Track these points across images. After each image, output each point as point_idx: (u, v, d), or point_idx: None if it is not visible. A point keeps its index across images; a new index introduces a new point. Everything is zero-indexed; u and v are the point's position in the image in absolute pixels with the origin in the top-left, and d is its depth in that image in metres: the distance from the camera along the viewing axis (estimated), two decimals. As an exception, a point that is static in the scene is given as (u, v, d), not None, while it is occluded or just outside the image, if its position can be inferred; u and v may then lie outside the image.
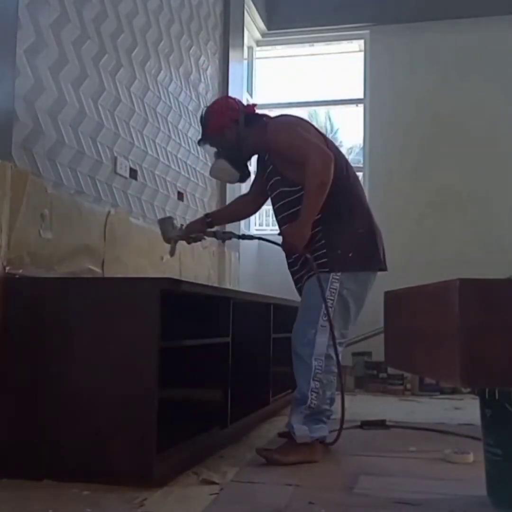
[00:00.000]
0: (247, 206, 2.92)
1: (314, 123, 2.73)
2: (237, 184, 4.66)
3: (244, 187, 5.33)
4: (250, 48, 5.66)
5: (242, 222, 5.06)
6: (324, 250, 2.39)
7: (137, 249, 2.97)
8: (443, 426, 3.02)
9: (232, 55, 4.53)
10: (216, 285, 3.92)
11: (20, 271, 2.12)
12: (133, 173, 3.05)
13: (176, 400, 2.42)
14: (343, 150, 3.61)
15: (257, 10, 5.29)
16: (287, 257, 2.57)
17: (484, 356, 1.44)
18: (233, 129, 2.57)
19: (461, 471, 2.17)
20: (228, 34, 4.51)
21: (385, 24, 5.38)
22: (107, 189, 2.80)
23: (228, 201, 4.40)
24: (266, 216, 6.95)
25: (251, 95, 5.46)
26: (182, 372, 2.44)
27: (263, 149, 2.56)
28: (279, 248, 2.53)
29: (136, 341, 1.96)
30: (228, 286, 4.15)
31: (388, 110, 5.31)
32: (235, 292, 2.96)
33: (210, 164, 4.04)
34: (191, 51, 3.88)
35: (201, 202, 3.96)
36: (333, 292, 2.37)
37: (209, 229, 2.73)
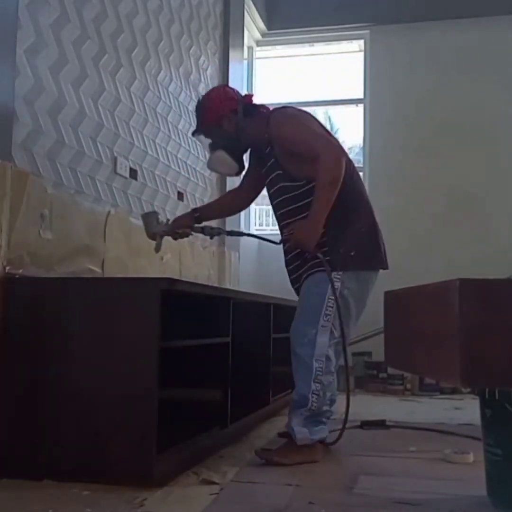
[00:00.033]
0: (238, 201, 2.84)
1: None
2: (237, 182, 4.68)
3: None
4: (250, 48, 5.67)
5: (242, 222, 5.06)
6: (326, 249, 2.34)
7: (137, 249, 2.97)
8: (443, 426, 3.02)
9: (232, 55, 4.53)
10: (216, 285, 3.93)
11: (20, 271, 2.12)
12: (133, 173, 3.05)
13: (176, 400, 2.42)
14: (343, 150, 3.58)
15: (257, 10, 5.29)
16: (285, 254, 2.52)
17: (484, 356, 1.44)
18: (232, 119, 2.50)
19: (461, 471, 2.17)
20: (228, 34, 4.51)
21: (385, 24, 5.38)
22: (107, 189, 2.80)
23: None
24: (266, 216, 6.95)
25: (251, 95, 5.45)
26: (182, 372, 2.44)
27: (263, 141, 2.47)
28: (279, 248, 2.51)
29: (136, 341, 1.96)
30: (228, 286, 4.15)
31: (388, 110, 5.31)
32: (235, 292, 2.96)
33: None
34: (191, 51, 3.88)
35: (201, 202, 3.95)
36: (334, 292, 2.31)
37: (196, 225, 2.65)
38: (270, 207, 2.64)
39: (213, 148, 2.56)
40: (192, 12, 3.91)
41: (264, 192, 2.68)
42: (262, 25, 5.54)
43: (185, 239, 3.58)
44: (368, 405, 3.78)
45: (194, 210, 2.73)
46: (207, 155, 2.69)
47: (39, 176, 2.29)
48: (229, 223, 4.32)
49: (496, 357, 1.44)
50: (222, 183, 4.20)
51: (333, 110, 5.92)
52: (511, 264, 4.39)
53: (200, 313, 2.53)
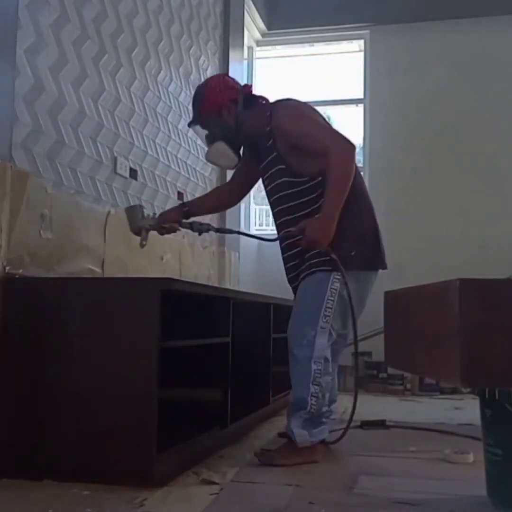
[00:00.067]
0: (229, 197, 2.75)
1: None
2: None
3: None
4: (250, 48, 5.66)
5: (242, 222, 5.07)
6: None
7: (137, 249, 2.97)
8: (443, 426, 3.02)
9: (232, 55, 4.53)
10: (216, 285, 3.93)
11: (20, 271, 2.12)
12: (133, 173, 3.05)
13: (176, 400, 2.42)
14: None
15: (257, 10, 5.29)
16: (283, 252, 2.46)
17: (484, 356, 1.44)
18: (232, 109, 2.42)
19: (461, 471, 2.17)
20: (228, 34, 4.51)
21: (385, 24, 5.38)
22: (107, 189, 2.80)
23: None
24: (266, 216, 6.95)
25: (251, 95, 5.45)
26: (182, 372, 2.44)
27: (264, 134, 2.39)
28: (279, 248, 2.49)
29: (136, 341, 1.96)
30: (228, 286, 4.15)
31: (388, 110, 5.31)
32: (235, 292, 2.96)
33: (210, 164, 4.06)
34: (191, 51, 3.88)
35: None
36: (334, 293, 2.28)
37: (184, 220, 2.54)
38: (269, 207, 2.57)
39: (211, 139, 2.47)
40: (192, 12, 3.91)
41: (264, 192, 2.60)
42: (262, 25, 5.54)
43: (185, 239, 3.62)
44: (368, 405, 3.78)
45: (183, 204, 2.64)
46: (205, 148, 2.62)
47: (39, 176, 2.29)
48: (229, 223, 4.32)
49: (496, 357, 1.44)
50: (222, 182, 4.19)
51: (333, 110, 5.90)
52: (511, 264, 4.39)
53: (200, 313, 2.52)
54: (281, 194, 2.41)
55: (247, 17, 5.10)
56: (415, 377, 4.45)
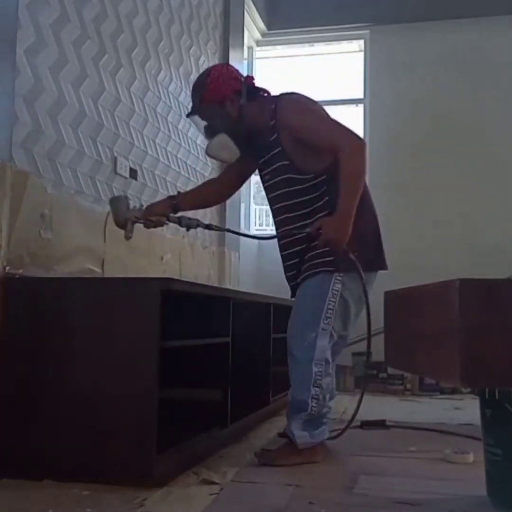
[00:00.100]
0: (219, 192, 2.65)
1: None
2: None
3: (244, 185, 5.33)
4: (250, 48, 5.67)
5: (242, 222, 5.06)
6: (328, 248, 2.24)
7: (137, 249, 2.97)
8: (443, 426, 3.02)
9: (232, 55, 4.53)
10: (216, 285, 3.93)
11: (20, 271, 2.12)
12: (133, 173, 3.05)
13: (176, 400, 2.42)
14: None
15: (257, 10, 5.29)
16: (282, 250, 2.43)
17: (484, 356, 1.44)
18: (235, 101, 2.33)
19: (461, 471, 2.17)
20: (228, 34, 4.51)
21: (385, 24, 5.38)
22: (107, 189, 2.80)
23: (228, 202, 4.39)
24: (266, 216, 6.95)
25: (251, 95, 5.45)
26: (182, 372, 2.44)
27: (267, 128, 2.31)
28: (278, 245, 2.46)
29: (136, 341, 1.96)
30: (228, 286, 4.15)
31: (388, 110, 5.31)
32: (235, 292, 2.96)
33: (210, 164, 4.06)
34: (191, 51, 3.88)
35: (201, 202, 3.95)
36: (335, 294, 2.26)
37: (172, 214, 2.43)
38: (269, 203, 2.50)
39: (212, 131, 2.37)
40: (192, 12, 3.91)
41: (262, 189, 2.55)
42: (262, 25, 5.54)
43: (185, 239, 3.62)
44: (368, 405, 3.78)
45: (171, 197, 2.52)
46: (205, 147, 2.52)
47: (39, 176, 2.29)
48: (229, 223, 4.32)
49: (496, 357, 1.44)
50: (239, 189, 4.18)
51: (333, 110, 5.88)
52: (511, 264, 4.39)
53: (200, 313, 2.52)
54: (283, 190, 2.35)
55: (247, 17, 5.10)
56: (415, 377, 4.45)
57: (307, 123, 2.27)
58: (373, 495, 1.89)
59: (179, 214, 2.45)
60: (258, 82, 2.48)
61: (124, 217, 2.35)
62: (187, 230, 2.45)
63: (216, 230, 2.53)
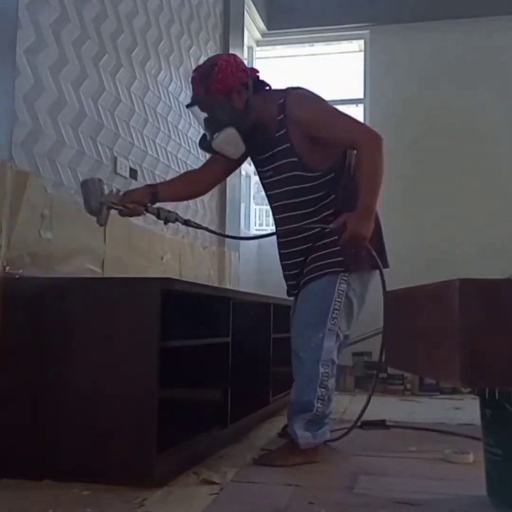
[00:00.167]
0: (199, 185, 2.51)
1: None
2: (237, 182, 4.68)
3: (244, 184, 5.34)
4: (250, 48, 5.67)
5: (242, 222, 5.06)
6: (337, 247, 2.22)
7: (137, 249, 2.97)
8: (443, 426, 3.02)
9: (232, 55, 4.53)
10: (216, 285, 3.92)
11: (20, 271, 2.12)
12: (133, 173, 3.05)
13: (176, 400, 2.42)
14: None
15: (257, 10, 5.29)
16: (281, 248, 2.41)
17: (484, 356, 1.44)
18: (242, 94, 2.22)
19: (461, 471, 2.17)
20: (228, 34, 4.51)
21: (385, 24, 5.38)
22: (107, 189, 2.79)
23: (228, 202, 4.40)
24: (266, 216, 6.95)
25: (251, 95, 5.46)
26: (182, 372, 2.44)
27: (273, 123, 2.24)
28: (277, 243, 2.44)
29: (136, 341, 1.95)
30: (228, 286, 4.15)
31: (388, 110, 5.30)
32: (235, 292, 2.96)
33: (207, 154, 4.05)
34: (191, 51, 3.88)
35: (201, 202, 3.96)
36: (341, 294, 2.25)
37: (151, 205, 2.27)
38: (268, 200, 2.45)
39: (213, 124, 2.24)
40: (192, 12, 3.91)
41: (264, 192, 2.52)
42: (262, 25, 5.54)
43: (185, 239, 3.62)
44: (368, 405, 3.78)
45: (150, 185, 2.38)
46: (200, 144, 2.39)
47: (39, 176, 2.29)
48: (229, 223, 4.32)
49: (496, 357, 1.44)
50: (222, 182, 4.17)
51: (333, 110, 5.86)
52: (511, 264, 4.39)
53: (200, 313, 2.52)
54: (288, 188, 2.30)
55: (247, 17, 5.10)
56: (415, 377, 4.45)
57: (321, 118, 2.21)
58: (373, 495, 1.89)
59: (158, 205, 2.29)
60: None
61: (98, 201, 2.15)
62: (165, 223, 2.31)
63: (194, 227, 2.39)
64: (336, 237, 2.22)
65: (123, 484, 1.86)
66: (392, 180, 5.20)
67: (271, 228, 2.95)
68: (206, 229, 2.53)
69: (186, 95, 3.72)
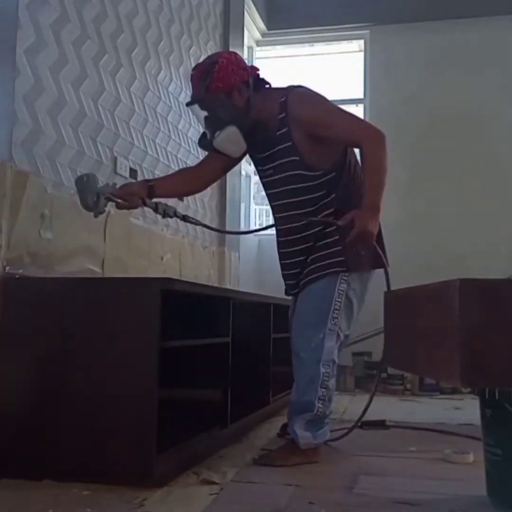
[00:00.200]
0: (196, 182, 2.49)
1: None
2: (237, 182, 4.68)
3: (244, 184, 5.34)
4: (250, 48, 5.67)
5: (242, 222, 5.07)
6: (339, 247, 2.23)
7: (137, 249, 2.97)
8: (443, 426, 3.02)
9: (232, 55, 4.53)
10: (216, 285, 3.93)
11: (20, 271, 2.12)
12: (133, 173, 3.05)
13: (176, 400, 2.42)
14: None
15: (257, 10, 5.29)
16: (281, 247, 2.40)
17: (484, 356, 1.44)
18: (243, 92, 2.21)
19: (461, 471, 2.17)
20: (228, 34, 4.51)
21: (385, 24, 5.38)
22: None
23: (228, 202, 4.40)
24: (266, 216, 6.94)
25: (251, 95, 5.46)
26: (182, 372, 2.44)
27: (274, 121, 2.24)
28: (276, 241, 2.44)
29: (136, 341, 1.95)
30: (228, 286, 4.15)
31: (388, 110, 5.30)
32: (235, 292, 2.96)
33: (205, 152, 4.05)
34: (191, 51, 3.88)
35: (201, 202, 3.96)
36: (341, 294, 2.25)
37: (148, 199, 2.24)
38: (269, 207, 2.47)
39: (214, 123, 2.22)
40: (192, 12, 3.91)
41: (264, 192, 2.52)
42: (262, 25, 5.54)
43: (185, 239, 3.62)
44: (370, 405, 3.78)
45: (147, 180, 2.37)
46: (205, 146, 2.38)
47: (39, 176, 2.29)
48: (229, 223, 4.32)
49: (496, 357, 1.44)
50: (223, 180, 4.18)
51: (333, 110, 5.86)
52: (511, 264, 4.39)
53: (200, 313, 2.52)
54: (289, 187, 2.29)
55: (247, 17, 5.10)
56: (415, 377, 4.45)
57: (323, 117, 2.20)
58: (373, 495, 1.89)
59: (155, 200, 2.28)
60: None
61: (96, 192, 2.12)
62: (163, 217, 2.29)
63: (192, 222, 2.38)
64: (338, 237, 2.22)
65: (123, 484, 1.85)
66: (392, 180, 5.20)
67: (264, 225, 2.94)
68: (204, 225, 2.51)
69: (186, 95, 3.71)
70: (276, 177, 2.33)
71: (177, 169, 3.58)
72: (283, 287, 2.52)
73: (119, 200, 2.17)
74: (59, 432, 1.96)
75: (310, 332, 2.25)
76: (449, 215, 5.07)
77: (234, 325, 2.57)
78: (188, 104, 2.31)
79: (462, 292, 1.45)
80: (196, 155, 3.85)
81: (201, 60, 2.40)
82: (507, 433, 1.70)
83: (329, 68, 6.11)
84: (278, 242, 2.44)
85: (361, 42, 5.61)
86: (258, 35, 5.66)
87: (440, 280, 1.58)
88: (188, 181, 2.49)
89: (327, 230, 2.25)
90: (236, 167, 2.83)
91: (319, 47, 6.00)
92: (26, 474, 1.92)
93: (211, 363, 2.50)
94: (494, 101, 5.09)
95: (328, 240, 2.27)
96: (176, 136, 3.60)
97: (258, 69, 2.34)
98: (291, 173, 2.27)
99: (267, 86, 2.35)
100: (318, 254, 2.29)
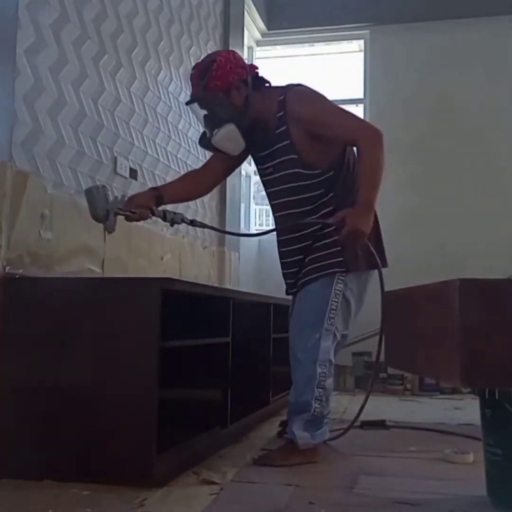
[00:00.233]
0: (203, 184, 2.51)
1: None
2: (237, 182, 4.68)
3: (244, 184, 5.34)
4: (250, 48, 5.67)
5: (242, 222, 5.07)
6: (338, 248, 2.23)
7: (137, 249, 2.97)
8: (443, 426, 3.02)
9: (232, 55, 4.53)
10: (216, 285, 3.92)
11: (20, 271, 2.12)
12: (133, 173, 3.05)
13: (176, 400, 2.42)
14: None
15: (257, 10, 5.29)
16: (281, 246, 2.40)
17: (484, 356, 1.44)
18: (242, 90, 2.22)
19: (461, 471, 2.17)
20: (228, 34, 4.51)
21: (385, 24, 5.38)
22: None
23: (228, 202, 4.40)
24: (266, 216, 6.94)
25: (251, 95, 5.46)
26: (182, 372, 2.44)
27: (273, 120, 2.24)
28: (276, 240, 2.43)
29: (136, 341, 1.96)
30: (228, 286, 4.15)
31: (388, 110, 5.30)
32: (235, 292, 2.96)
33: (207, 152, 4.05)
34: (191, 51, 3.88)
35: (201, 202, 3.96)
36: (338, 294, 2.25)
37: (155, 208, 2.25)
38: (269, 207, 2.47)
39: (213, 121, 2.22)
40: (192, 12, 3.91)
41: (264, 192, 2.52)
42: (262, 25, 5.54)
43: (185, 239, 3.62)
44: (368, 405, 3.77)
45: (154, 189, 2.37)
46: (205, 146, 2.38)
47: (39, 176, 2.29)
48: (229, 223, 4.32)
49: (496, 357, 1.44)
50: (222, 183, 4.18)
51: (333, 110, 5.86)
52: (511, 264, 4.39)
53: (200, 313, 2.52)
54: (288, 185, 2.29)
55: (247, 17, 5.10)
56: (415, 377, 4.45)
57: (322, 115, 2.21)
58: (373, 495, 1.89)
59: (162, 207, 2.29)
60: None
61: (105, 208, 2.14)
62: (171, 225, 2.31)
63: (200, 226, 2.40)
64: (336, 237, 2.22)
65: (123, 484, 1.86)
66: (392, 180, 5.21)
67: (271, 228, 2.94)
68: (212, 228, 2.55)
69: (186, 95, 3.71)
70: (275, 175, 2.33)
71: (177, 169, 3.59)
72: (284, 287, 2.52)
73: (128, 214, 2.19)
74: (59, 432, 1.96)
75: (307, 332, 2.25)
76: (449, 215, 5.07)
77: (234, 325, 2.57)
78: (187, 103, 2.33)
79: (462, 292, 1.46)
80: (196, 155, 3.85)
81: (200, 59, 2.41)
82: (507, 433, 1.70)
83: (329, 68, 6.11)
84: (278, 242, 2.44)
85: (361, 42, 5.61)
86: (258, 35, 5.66)
87: (440, 280, 1.58)
88: (192, 186, 2.50)
89: (326, 230, 2.25)
90: (236, 167, 2.83)
91: (319, 47, 6.00)
92: (26, 474, 1.92)
93: (211, 363, 2.50)
94: (494, 101, 5.09)
95: (327, 241, 2.27)
96: (176, 136, 3.60)
97: (257, 68, 2.34)
98: (289, 171, 2.28)
99: (267, 84, 2.35)
100: (316, 255, 2.30)
